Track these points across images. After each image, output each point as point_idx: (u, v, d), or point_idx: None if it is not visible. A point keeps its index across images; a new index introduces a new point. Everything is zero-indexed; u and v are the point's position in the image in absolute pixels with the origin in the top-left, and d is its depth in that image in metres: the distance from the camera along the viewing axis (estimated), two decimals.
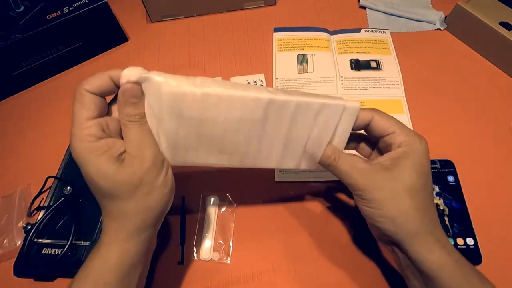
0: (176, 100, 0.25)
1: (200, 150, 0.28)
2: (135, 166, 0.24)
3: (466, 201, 0.39)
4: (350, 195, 0.41)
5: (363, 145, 0.32)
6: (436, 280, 0.24)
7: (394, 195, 0.25)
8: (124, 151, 0.25)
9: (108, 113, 0.26)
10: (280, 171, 0.43)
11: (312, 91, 0.49)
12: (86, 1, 0.49)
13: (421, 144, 0.27)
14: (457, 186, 0.40)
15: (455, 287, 0.24)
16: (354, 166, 0.27)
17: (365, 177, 0.26)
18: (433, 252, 0.25)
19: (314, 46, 0.53)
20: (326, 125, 0.28)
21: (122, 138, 0.26)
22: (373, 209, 0.26)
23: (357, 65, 0.51)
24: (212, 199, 0.41)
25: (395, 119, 0.28)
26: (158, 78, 0.24)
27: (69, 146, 0.26)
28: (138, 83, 0.24)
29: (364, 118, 0.28)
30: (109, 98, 0.26)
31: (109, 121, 0.25)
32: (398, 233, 0.25)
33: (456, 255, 0.25)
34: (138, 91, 0.24)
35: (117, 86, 0.24)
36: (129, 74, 0.24)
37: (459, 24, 0.53)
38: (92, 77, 0.24)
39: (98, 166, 0.23)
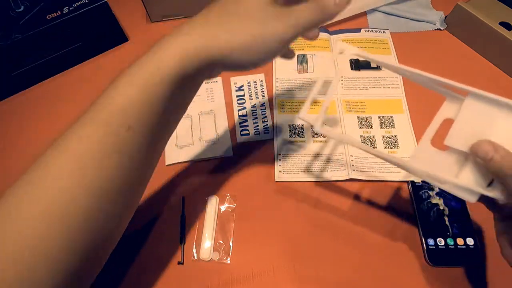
0: None
1: None
2: None
3: (466, 201, 0.39)
4: (350, 194, 0.41)
5: None
6: None
7: None
8: None
9: None
10: (280, 171, 0.43)
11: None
12: (86, 1, 0.49)
13: None
14: None
15: None
16: None
17: None
18: None
19: (314, 46, 0.53)
20: None
21: None
22: None
23: (357, 65, 0.51)
24: (212, 199, 0.41)
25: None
26: None
27: None
28: None
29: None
30: None
31: None
32: None
33: None
34: None
35: None
36: None
37: (459, 24, 0.53)
38: None
39: None
